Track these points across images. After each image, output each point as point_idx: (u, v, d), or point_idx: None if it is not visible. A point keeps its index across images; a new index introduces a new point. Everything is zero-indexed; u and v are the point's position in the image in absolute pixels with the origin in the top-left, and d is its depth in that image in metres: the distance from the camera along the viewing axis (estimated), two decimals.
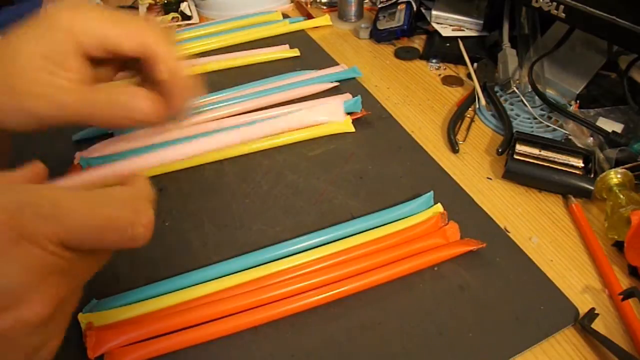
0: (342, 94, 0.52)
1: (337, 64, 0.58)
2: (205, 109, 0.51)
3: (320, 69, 0.56)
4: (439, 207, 0.39)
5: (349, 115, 0.48)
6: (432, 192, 0.40)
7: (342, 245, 0.36)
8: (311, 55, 0.61)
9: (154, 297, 0.34)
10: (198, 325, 0.32)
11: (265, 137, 0.47)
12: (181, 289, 0.34)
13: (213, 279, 0.34)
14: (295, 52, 0.61)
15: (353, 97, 0.51)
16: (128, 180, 0.25)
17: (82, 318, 0.32)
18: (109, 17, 0.33)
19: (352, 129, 0.48)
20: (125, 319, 0.32)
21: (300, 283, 0.33)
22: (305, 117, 0.48)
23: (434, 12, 0.63)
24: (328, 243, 0.36)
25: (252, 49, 0.61)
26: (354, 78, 0.56)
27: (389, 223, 0.38)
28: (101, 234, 0.21)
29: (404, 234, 0.37)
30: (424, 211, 0.39)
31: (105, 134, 0.49)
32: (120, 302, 0.33)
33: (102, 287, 0.34)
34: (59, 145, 0.49)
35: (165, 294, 0.34)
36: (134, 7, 0.74)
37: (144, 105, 0.32)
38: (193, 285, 0.34)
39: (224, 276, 0.35)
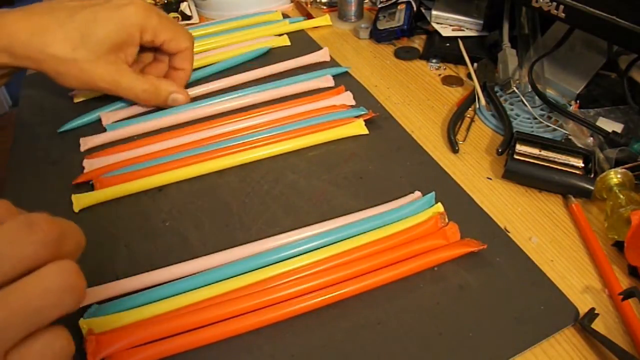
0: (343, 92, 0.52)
1: (338, 65, 0.58)
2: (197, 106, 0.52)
3: (317, 66, 0.57)
4: (439, 207, 0.38)
5: (360, 117, 0.48)
6: (433, 192, 0.39)
7: (342, 247, 0.36)
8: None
9: (154, 301, 0.34)
10: (198, 328, 0.32)
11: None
12: (181, 292, 0.34)
13: (213, 283, 0.34)
14: (285, 41, 0.63)
15: (352, 94, 0.51)
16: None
17: (84, 324, 0.32)
18: (167, 22, 0.49)
19: (366, 131, 0.48)
20: (126, 324, 0.32)
21: (300, 285, 0.33)
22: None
23: (434, 12, 0.63)
24: (328, 245, 0.36)
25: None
26: (353, 78, 0.56)
27: (391, 224, 0.38)
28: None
29: (404, 234, 0.37)
30: (424, 211, 0.38)
31: (90, 124, 0.51)
32: (121, 307, 0.33)
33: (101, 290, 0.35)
34: (61, 143, 0.49)
35: (166, 298, 0.34)
36: None
37: (179, 98, 0.52)
38: (193, 289, 0.34)
39: (225, 279, 0.35)
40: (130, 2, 0.46)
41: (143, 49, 0.50)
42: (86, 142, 0.48)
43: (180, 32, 0.49)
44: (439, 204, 0.39)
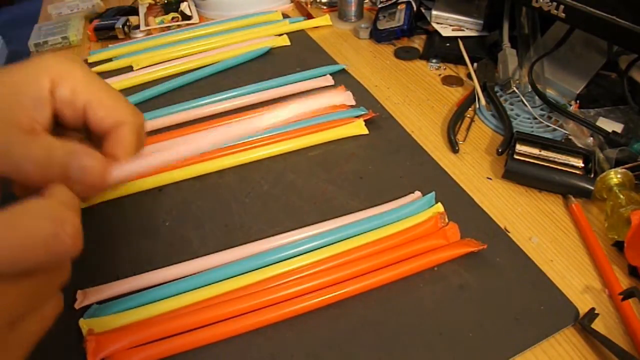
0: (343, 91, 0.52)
1: (337, 64, 0.58)
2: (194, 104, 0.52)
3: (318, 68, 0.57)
4: (439, 207, 0.38)
5: (360, 118, 0.48)
6: (433, 192, 0.39)
7: (342, 247, 0.36)
8: (311, 55, 0.61)
9: (154, 301, 0.34)
10: (198, 328, 0.32)
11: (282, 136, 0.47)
12: (181, 292, 0.34)
13: (213, 283, 0.34)
14: (285, 41, 0.62)
15: (351, 93, 0.51)
16: (45, 192, 0.24)
17: (84, 324, 0.32)
18: (95, 78, 0.30)
19: (366, 131, 0.48)
20: (126, 324, 0.32)
21: (300, 285, 0.33)
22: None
23: (434, 12, 0.63)
24: (328, 245, 0.36)
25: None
26: (354, 78, 0.56)
27: (391, 224, 0.38)
28: (22, 253, 0.20)
29: (404, 234, 0.37)
30: (425, 211, 0.38)
31: None
32: (121, 307, 0.33)
33: (101, 290, 0.35)
34: None
35: (166, 298, 0.34)
36: (133, 7, 0.74)
37: (88, 164, 0.29)
38: (193, 289, 0.34)
39: (225, 279, 0.35)
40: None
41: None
42: None
43: (119, 100, 0.32)
44: (439, 204, 0.39)
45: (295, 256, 0.36)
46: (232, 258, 0.36)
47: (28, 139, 0.29)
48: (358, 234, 0.37)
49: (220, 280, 0.34)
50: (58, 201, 0.23)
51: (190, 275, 0.35)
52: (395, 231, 0.37)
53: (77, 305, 0.34)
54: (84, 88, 0.30)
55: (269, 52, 0.61)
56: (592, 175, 0.40)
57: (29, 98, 0.29)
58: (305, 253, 0.36)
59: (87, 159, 0.28)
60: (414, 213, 0.38)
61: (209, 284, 0.34)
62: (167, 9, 0.72)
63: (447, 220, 0.38)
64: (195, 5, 0.74)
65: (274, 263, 0.35)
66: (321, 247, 0.36)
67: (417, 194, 0.41)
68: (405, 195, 0.41)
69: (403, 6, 0.64)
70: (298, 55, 0.60)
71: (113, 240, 0.39)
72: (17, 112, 0.29)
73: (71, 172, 0.28)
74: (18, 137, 0.28)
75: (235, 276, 0.35)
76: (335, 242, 0.36)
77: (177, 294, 0.34)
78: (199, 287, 0.34)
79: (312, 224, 0.38)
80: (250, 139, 0.46)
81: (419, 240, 0.36)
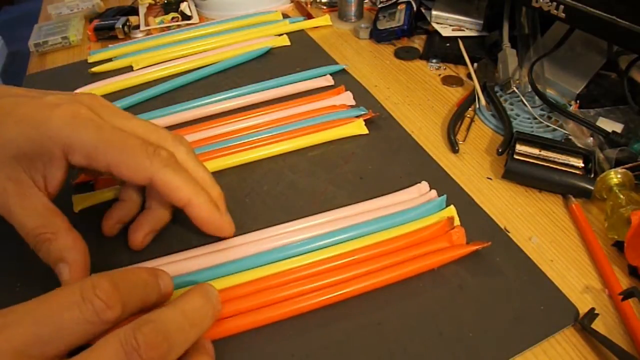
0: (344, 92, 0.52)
1: (337, 64, 0.58)
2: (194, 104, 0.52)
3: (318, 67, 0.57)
4: (451, 211, 0.38)
5: (360, 117, 0.48)
6: (445, 196, 0.39)
7: (344, 248, 0.36)
8: (311, 55, 0.61)
9: None
10: None
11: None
12: (179, 288, 0.34)
13: (212, 280, 0.34)
14: (285, 41, 0.62)
15: (352, 94, 0.51)
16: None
17: None
18: (110, 137, 0.30)
19: (366, 131, 0.48)
20: None
21: (303, 286, 0.33)
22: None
23: (434, 12, 0.63)
24: (330, 245, 0.36)
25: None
26: (354, 78, 0.56)
27: (398, 226, 0.37)
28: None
29: (409, 237, 0.36)
30: (434, 214, 0.38)
31: None
32: None
33: None
34: None
35: None
36: (133, 7, 0.75)
37: (64, 272, 0.31)
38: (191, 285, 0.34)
39: (224, 277, 0.35)
40: (64, 102, 0.31)
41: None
42: None
43: (135, 151, 0.31)
44: (452, 207, 0.38)
45: (295, 256, 0.35)
46: (233, 257, 0.36)
47: (34, 206, 0.31)
48: (362, 236, 0.37)
49: (220, 277, 0.34)
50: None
51: (187, 273, 0.35)
52: (401, 233, 0.37)
53: None
54: (100, 154, 0.30)
55: (269, 52, 0.61)
56: (592, 175, 0.40)
57: (43, 162, 0.31)
58: (306, 253, 0.36)
59: (65, 267, 0.31)
60: (423, 216, 0.38)
61: (207, 281, 0.34)
62: (167, 9, 0.72)
63: (456, 223, 0.37)
64: (195, 5, 0.74)
65: (275, 262, 0.35)
66: (323, 248, 0.36)
67: (424, 184, 0.41)
68: (411, 185, 0.41)
69: (403, 6, 0.64)
70: (298, 55, 0.61)
71: (113, 240, 0.39)
72: (34, 170, 0.31)
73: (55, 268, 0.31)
74: (25, 198, 0.30)
75: (235, 275, 0.35)
76: (337, 243, 0.36)
77: (176, 289, 0.34)
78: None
79: (313, 224, 0.38)
80: (250, 139, 0.47)
81: (424, 243, 0.36)
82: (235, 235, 0.38)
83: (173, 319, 0.25)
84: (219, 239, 0.38)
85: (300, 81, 0.55)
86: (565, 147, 0.43)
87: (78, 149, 0.30)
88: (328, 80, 0.55)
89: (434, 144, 0.47)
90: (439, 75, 0.58)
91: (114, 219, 0.37)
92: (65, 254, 0.31)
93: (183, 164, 0.33)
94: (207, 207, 0.33)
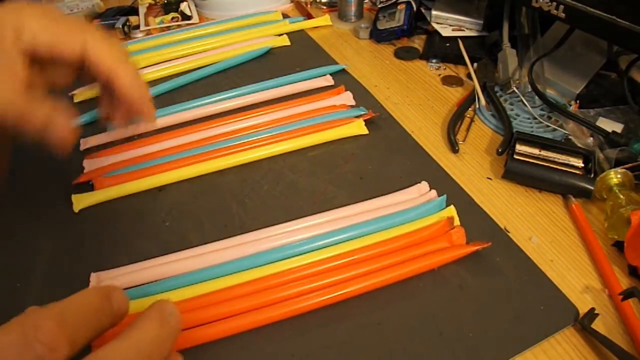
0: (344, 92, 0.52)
1: (337, 64, 0.58)
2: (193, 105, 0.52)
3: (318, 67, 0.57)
4: (450, 211, 0.38)
5: (360, 117, 0.48)
6: (445, 196, 0.39)
7: (345, 248, 0.36)
8: (311, 55, 0.61)
9: (152, 294, 0.34)
10: (197, 326, 0.32)
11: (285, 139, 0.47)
12: (179, 288, 0.34)
13: (212, 279, 0.34)
14: (285, 41, 0.62)
15: (351, 94, 0.51)
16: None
17: None
18: (52, 19, 0.33)
19: (366, 131, 0.48)
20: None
21: (303, 286, 0.33)
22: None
23: (434, 12, 0.63)
24: (331, 245, 0.36)
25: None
26: (354, 78, 0.56)
27: (398, 226, 0.37)
28: None
29: (409, 237, 0.36)
30: (434, 214, 0.38)
31: (90, 124, 0.51)
32: None
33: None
34: None
35: (163, 292, 0.34)
36: (133, 7, 0.75)
37: (58, 131, 0.33)
38: (191, 284, 0.34)
39: (224, 276, 0.35)
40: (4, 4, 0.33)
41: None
42: (86, 142, 0.48)
43: (71, 27, 0.34)
44: (452, 207, 0.38)
45: (296, 255, 0.35)
46: (233, 256, 0.36)
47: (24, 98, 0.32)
48: (362, 236, 0.37)
49: (220, 277, 0.34)
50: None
51: (189, 272, 0.35)
52: (401, 233, 0.37)
53: None
54: (41, 32, 0.33)
55: (269, 52, 0.61)
56: (592, 175, 0.40)
57: (3, 51, 0.32)
58: (306, 253, 0.36)
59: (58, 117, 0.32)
60: (423, 216, 0.38)
61: (208, 280, 0.34)
62: (167, 9, 0.72)
63: (456, 223, 0.37)
64: (195, 5, 0.74)
65: (275, 262, 0.35)
66: (323, 248, 0.36)
67: (424, 184, 0.41)
68: (411, 185, 0.41)
69: (403, 6, 0.64)
70: (298, 55, 0.60)
71: (113, 240, 0.39)
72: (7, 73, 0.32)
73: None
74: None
75: (235, 274, 0.35)
76: (338, 243, 0.36)
77: (174, 289, 0.34)
78: (197, 283, 0.34)
79: (314, 223, 0.38)
80: (251, 139, 0.46)
81: (424, 243, 0.36)
82: (235, 235, 0.38)
83: (126, 356, 0.22)
84: (219, 239, 0.38)
85: (300, 81, 0.55)
86: (565, 147, 0.43)
87: (25, 30, 0.32)
88: (328, 80, 0.55)
89: (434, 144, 0.47)
90: (439, 75, 0.58)
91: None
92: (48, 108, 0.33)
93: (113, 43, 0.35)
94: (132, 77, 0.35)
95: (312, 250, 0.36)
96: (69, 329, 0.22)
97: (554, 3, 0.47)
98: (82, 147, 0.48)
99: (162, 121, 0.50)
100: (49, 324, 0.22)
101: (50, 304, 0.23)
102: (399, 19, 0.63)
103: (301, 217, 0.39)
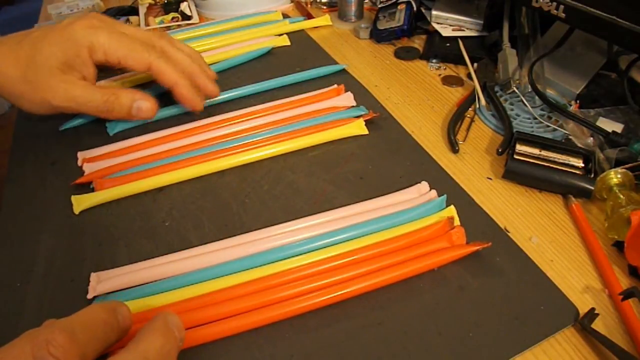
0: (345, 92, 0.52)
1: (337, 64, 0.58)
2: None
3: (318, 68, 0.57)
4: (450, 211, 0.38)
5: (360, 118, 0.48)
6: (445, 196, 0.39)
7: (345, 248, 0.36)
8: (311, 55, 0.61)
9: (152, 294, 0.34)
10: (197, 326, 0.32)
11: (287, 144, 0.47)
12: (179, 288, 0.34)
13: (212, 279, 0.34)
14: (285, 41, 0.62)
15: (351, 94, 0.51)
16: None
17: None
18: (119, 38, 0.45)
19: (366, 131, 0.47)
20: None
21: (303, 286, 0.33)
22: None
23: (434, 12, 0.63)
24: (331, 245, 0.36)
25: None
26: (354, 78, 0.56)
27: (397, 226, 0.37)
28: None
29: (409, 237, 0.36)
30: (433, 215, 0.38)
31: (90, 122, 0.51)
32: (120, 299, 0.33)
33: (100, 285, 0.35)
34: (61, 139, 0.49)
35: (162, 292, 0.34)
36: (133, 7, 0.74)
37: (144, 106, 0.47)
38: (191, 284, 0.34)
39: (224, 277, 0.35)
40: (76, 20, 0.45)
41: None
42: (84, 155, 0.47)
43: (137, 48, 0.45)
44: (452, 207, 0.38)
45: (296, 255, 0.35)
46: (233, 256, 0.36)
47: (92, 88, 0.45)
48: (362, 236, 0.37)
49: (220, 277, 0.34)
50: None
51: (188, 272, 0.35)
52: (401, 233, 0.37)
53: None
54: (111, 50, 0.45)
55: (270, 52, 0.61)
56: (592, 175, 0.40)
57: (78, 64, 0.45)
58: (306, 253, 0.36)
59: (144, 101, 0.47)
60: (423, 216, 0.38)
61: (208, 280, 0.34)
62: (167, 9, 0.72)
63: (456, 223, 0.37)
64: (195, 5, 0.74)
65: (275, 262, 0.35)
66: (323, 248, 0.36)
67: (424, 184, 0.41)
68: (411, 186, 0.41)
69: (403, 6, 0.64)
70: (298, 55, 0.61)
71: (113, 241, 0.39)
72: (76, 71, 0.45)
73: (132, 110, 0.47)
74: (80, 86, 0.45)
75: (235, 274, 0.35)
76: (338, 243, 0.36)
77: (174, 289, 0.34)
78: (196, 284, 0.34)
79: (314, 223, 0.38)
80: (251, 140, 0.46)
81: (423, 243, 0.36)
82: (235, 235, 0.38)
83: None
84: (219, 239, 0.38)
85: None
86: (565, 147, 0.43)
87: (98, 48, 0.44)
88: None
89: (434, 144, 0.47)
90: (439, 75, 0.58)
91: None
92: (133, 95, 0.47)
93: (172, 56, 0.47)
94: (187, 88, 0.47)
95: (312, 250, 0.36)
96: (80, 343, 0.23)
97: (554, 3, 0.47)
98: (79, 162, 0.46)
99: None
100: (61, 338, 0.22)
101: (60, 319, 0.24)
102: (399, 19, 0.63)
103: (301, 217, 0.39)
